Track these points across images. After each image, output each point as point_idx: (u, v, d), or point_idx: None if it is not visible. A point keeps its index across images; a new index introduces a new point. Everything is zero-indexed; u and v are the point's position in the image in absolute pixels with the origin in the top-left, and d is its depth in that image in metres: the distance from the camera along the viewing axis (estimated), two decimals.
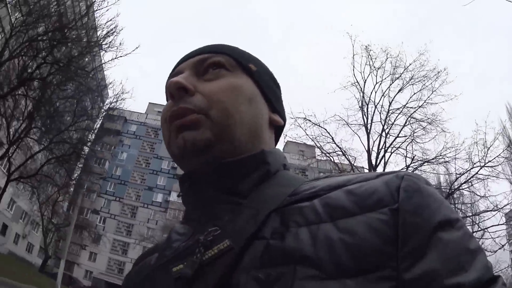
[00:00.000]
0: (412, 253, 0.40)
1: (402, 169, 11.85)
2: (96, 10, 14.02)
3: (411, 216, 0.43)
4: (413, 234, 0.42)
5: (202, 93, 0.60)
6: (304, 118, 14.11)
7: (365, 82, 14.65)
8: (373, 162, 13.60)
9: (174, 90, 0.60)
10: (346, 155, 13.77)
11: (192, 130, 0.58)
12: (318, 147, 14.26)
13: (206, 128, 0.57)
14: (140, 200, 45.28)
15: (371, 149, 13.85)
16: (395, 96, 14.18)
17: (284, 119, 0.71)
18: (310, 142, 14.61)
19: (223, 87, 0.60)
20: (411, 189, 0.45)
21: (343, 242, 0.42)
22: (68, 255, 28.15)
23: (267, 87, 0.67)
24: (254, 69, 0.66)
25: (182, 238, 0.58)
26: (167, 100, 0.65)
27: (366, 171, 11.85)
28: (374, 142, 14.06)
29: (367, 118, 14.29)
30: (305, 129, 14.15)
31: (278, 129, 0.70)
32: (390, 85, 14.25)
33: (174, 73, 0.67)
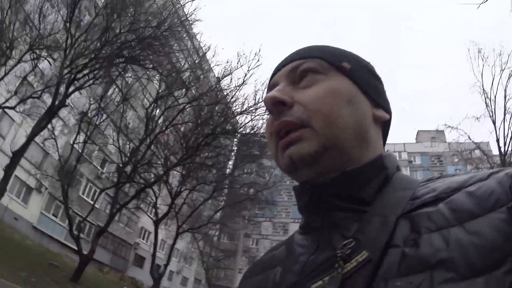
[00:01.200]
0: None
1: None
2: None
3: None
4: None
5: (301, 103, 0.59)
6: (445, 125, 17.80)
7: (483, 78, 16.66)
8: (502, 150, 15.69)
9: (271, 106, 0.60)
10: (480, 148, 16.96)
11: (297, 144, 0.57)
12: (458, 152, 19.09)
13: (311, 140, 0.57)
14: (290, 216, 45.40)
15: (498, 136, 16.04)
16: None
17: (390, 112, 0.67)
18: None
19: (320, 94, 0.59)
20: None
21: (472, 243, 0.42)
22: (223, 281, 31.87)
23: (366, 82, 0.64)
24: (348, 67, 0.63)
25: (307, 251, 0.58)
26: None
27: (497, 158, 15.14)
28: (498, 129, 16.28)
29: (493, 112, 16.26)
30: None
31: (384, 124, 0.67)
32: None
33: (271, 85, 0.67)
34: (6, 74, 13.53)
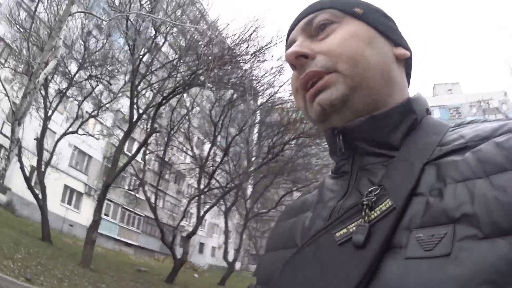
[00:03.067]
0: None
1: None
2: None
3: None
4: None
5: (322, 52, 0.60)
6: None
7: None
8: None
9: (294, 60, 0.61)
10: None
11: (325, 91, 0.58)
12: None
13: (339, 83, 0.57)
14: None
15: None
16: None
17: (410, 49, 0.66)
18: None
19: (340, 40, 0.60)
20: None
21: (498, 200, 0.40)
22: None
23: (381, 24, 0.64)
24: (360, 12, 0.64)
25: (336, 196, 0.59)
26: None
27: None
28: None
29: None
30: None
31: (406, 63, 0.67)
32: None
33: (289, 43, 0.68)
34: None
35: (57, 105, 14.72)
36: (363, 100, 0.58)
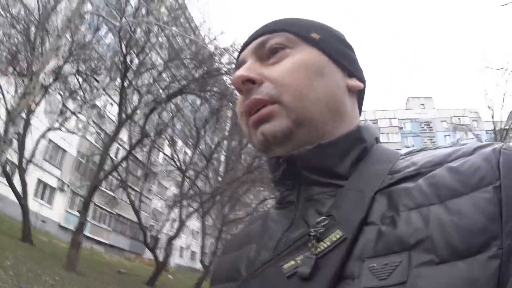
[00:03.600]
0: None
1: None
2: None
3: None
4: None
5: (269, 79, 0.57)
6: None
7: None
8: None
9: (240, 84, 0.58)
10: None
11: (269, 122, 0.56)
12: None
13: (282, 116, 0.55)
14: None
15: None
16: None
17: (364, 81, 0.64)
18: None
19: (289, 68, 0.57)
20: (511, 164, 0.43)
21: (453, 223, 0.39)
22: None
23: (337, 51, 0.61)
24: (317, 38, 0.60)
25: (282, 227, 0.56)
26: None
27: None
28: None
29: None
30: None
31: (359, 94, 0.65)
32: None
33: (238, 63, 0.65)
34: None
35: (40, 100, 14.38)
36: (308, 133, 0.56)
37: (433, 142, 44.66)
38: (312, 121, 0.56)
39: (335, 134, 0.57)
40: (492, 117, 14.69)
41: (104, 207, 26.65)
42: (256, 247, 0.58)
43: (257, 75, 0.58)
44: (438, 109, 44.11)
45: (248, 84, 0.58)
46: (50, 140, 22.36)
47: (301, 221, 0.54)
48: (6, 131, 7.18)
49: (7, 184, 12.98)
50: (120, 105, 12.83)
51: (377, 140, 0.61)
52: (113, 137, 12.93)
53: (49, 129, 14.60)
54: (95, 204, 26.02)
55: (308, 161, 0.56)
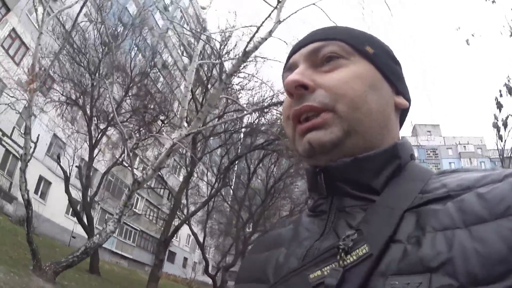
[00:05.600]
0: None
1: None
2: None
3: None
4: None
5: (323, 87, 0.57)
6: None
7: None
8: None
9: (293, 89, 0.58)
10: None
11: (319, 130, 0.56)
12: None
13: (334, 126, 0.56)
14: None
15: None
16: None
17: (409, 100, 0.65)
18: None
19: (345, 78, 0.57)
20: None
21: (475, 250, 0.40)
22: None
23: (388, 68, 0.62)
24: (371, 52, 0.61)
25: (312, 236, 0.57)
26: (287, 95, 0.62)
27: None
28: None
29: None
30: None
31: (403, 112, 0.65)
32: None
33: (289, 65, 0.65)
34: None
35: (102, 134, 15.29)
36: (355, 145, 0.57)
37: (438, 169, 42.52)
38: (361, 133, 0.56)
39: (378, 148, 0.58)
40: (498, 139, 13.81)
41: (129, 223, 27.65)
42: (285, 252, 0.59)
43: (310, 81, 0.58)
44: (444, 137, 44.75)
45: (300, 89, 0.58)
46: (82, 159, 23.19)
47: (331, 232, 0.55)
48: (129, 196, 8.12)
49: (77, 220, 14.01)
50: (193, 150, 14.13)
51: (412, 156, 0.61)
52: (187, 178, 14.37)
53: (113, 165, 15.86)
54: (124, 222, 27.05)
55: (344, 173, 0.56)
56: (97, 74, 14.06)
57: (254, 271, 0.64)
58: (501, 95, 12.52)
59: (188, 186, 15.01)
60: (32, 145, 9.07)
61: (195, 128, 8.17)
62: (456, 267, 0.40)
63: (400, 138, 0.63)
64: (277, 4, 8.08)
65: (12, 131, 18.49)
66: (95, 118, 14.67)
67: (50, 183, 21.80)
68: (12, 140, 18.67)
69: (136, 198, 28.35)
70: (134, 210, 24.93)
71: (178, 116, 8.69)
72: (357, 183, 0.56)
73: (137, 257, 29.82)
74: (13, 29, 18.47)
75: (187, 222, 15.87)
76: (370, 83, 0.59)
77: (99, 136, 15.10)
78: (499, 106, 12.84)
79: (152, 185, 19.17)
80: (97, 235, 7.85)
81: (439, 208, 0.47)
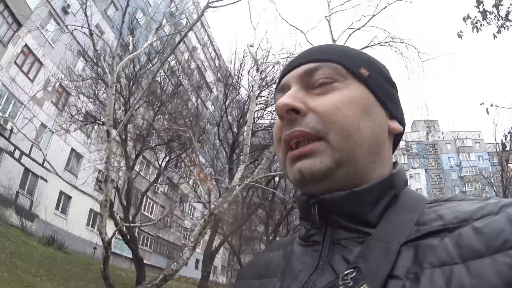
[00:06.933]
0: None
1: None
2: None
3: None
4: None
5: (315, 112, 0.56)
6: None
7: None
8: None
9: (284, 113, 0.57)
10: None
11: (309, 158, 0.55)
12: None
13: (325, 155, 0.55)
14: None
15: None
16: None
17: (404, 124, 0.64)
18: None
19: (337, 104, 0.56)
20: None
21: (473, 286, 0.40)
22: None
23: (383, 91, 0.61)
24: (366, 74, 0.60)
25: (306, 268, 0.56)
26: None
27: None
28: None
29: None
30: None
31: (396, 136, 0.64)
32: None
33: (281, 86, 0.64)
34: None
35: (137, 155, 15.61)
36: (347, 175, 0.56)
37: (438, 163, 47.18)
38: (353, 163, 0.55)
39: (371, 177, 0.57)
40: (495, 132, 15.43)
41: (145, 230, 28.11)
42: (279, 285, 0.58)
43: (302, 104, 0.57)
44: (443, 132, 45.57)
45: (291, 113, 0.57)
46: (100, 170, 23.37)
47: (327, 266, 0.54)
48: (204, 227, 8.74)
49: (124, 241, 14.44)
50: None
51: (405, 183, 0.61)
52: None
53: (151, 184, 16.41)
54: (139, 228, 27.52)
55: (340, 206, 0.56)
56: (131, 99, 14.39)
57: None
58: None
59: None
60: (112, 190, 9.52)
61: (261, 174, 8.29)
62: None
63: (393, 164, 0.63)
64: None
65: (31, 149, 18.51)
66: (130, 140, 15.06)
67: (70, 197, 21.90)
68: (31, 158, 18.78)
69: (151, 204, 28.95)
70: (150, 216, 25.32)
71: (243, 153, 9.12)
72: (353, 216, 0.55)
73: (154, 262, 30.27)
74: (26, 45, 18.47)
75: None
76: (364, 108, 0.57)
77: (135, 158, 15.49)
78: None
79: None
80: (175, 263, 8.33)
81: (436, 243, 0.47)
